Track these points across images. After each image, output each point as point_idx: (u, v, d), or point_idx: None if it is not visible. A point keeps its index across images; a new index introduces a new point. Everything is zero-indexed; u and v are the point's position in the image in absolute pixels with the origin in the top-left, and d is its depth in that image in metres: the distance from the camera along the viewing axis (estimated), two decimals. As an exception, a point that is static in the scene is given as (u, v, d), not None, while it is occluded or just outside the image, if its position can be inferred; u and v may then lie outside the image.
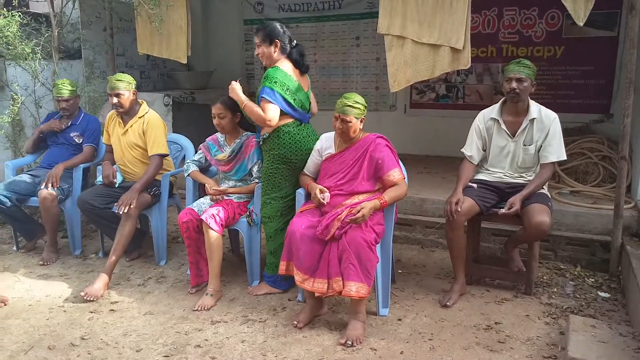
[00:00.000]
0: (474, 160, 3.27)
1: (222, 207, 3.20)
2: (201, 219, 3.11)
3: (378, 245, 2.81)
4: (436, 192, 4.33)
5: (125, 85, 3.58)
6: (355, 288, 2.64)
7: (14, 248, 4.05)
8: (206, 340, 2.73)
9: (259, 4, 6.80)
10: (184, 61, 4.70)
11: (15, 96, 4.45)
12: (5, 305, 3.09)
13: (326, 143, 3.11)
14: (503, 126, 3.18)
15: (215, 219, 3.11)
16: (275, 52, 3.10)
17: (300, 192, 3.13)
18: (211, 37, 7.09)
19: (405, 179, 2.99)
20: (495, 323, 2.87)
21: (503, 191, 3.18)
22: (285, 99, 3.02)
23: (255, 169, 3.36)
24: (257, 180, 3.36)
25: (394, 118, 6.19)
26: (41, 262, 3.76)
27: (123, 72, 3.78)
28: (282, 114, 3.03)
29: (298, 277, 2.79)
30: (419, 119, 6.12)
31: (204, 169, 3.57)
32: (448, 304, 3.05)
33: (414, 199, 4.21)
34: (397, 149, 3.03)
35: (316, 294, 2.77)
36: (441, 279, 3.49)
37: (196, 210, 3.21)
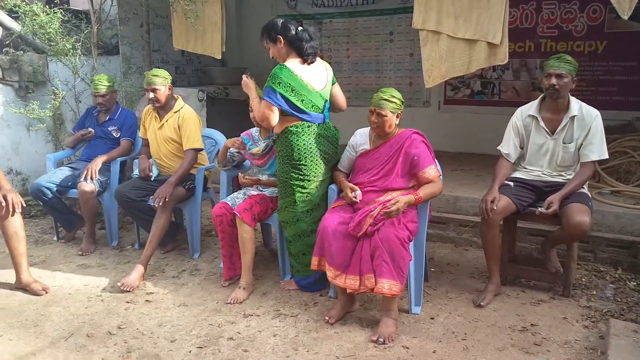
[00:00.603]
0: (510, 158, 3.20)
1: (256, 202, 3.23)
2: (235, 213, 3.14)
3: (411, 243, 2.78)
4: (470, 189, 4.27)
5: (161, 80, 3.64)
6: (387, 285, 2.62)
7: (55, 238, 4.17)
8: (239, 333, 2.75)
9: (292, -1, 6.82)
10: (219, 57, 4.75)
11: (56, 91, 4.58)
12: (46, 293, 3.19)
13: (361, 139, 3.09)
14: (542, 123, 3.10)
15: (248, 213, 3.13)
16: (282, 48, 2.99)
17: (332, 188, 3.13)
18: (245, 33, 7.15)
19: (441, 177, 2.95)
20: (531, 325, 2.80)
21: (541, 190, 3.10)
22: (288, 100, 2.91)
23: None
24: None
25: (428, 114, 6.12)
26: (80, 252, 3.87)
27: (159, 68, 3.84)
28: (287, 114, 2.95)
29: (330, 273, 2.79)
30: (453, 116, 6.04)
31: (239, 163, 3.60)
32: (482, 303, 3.00)
33: (447, 197, 4.15)
34: (432, 146, 3.00)
35: (348, 291, 2.76)
36: (475, 278, 3.44)
37: (230, 204, 3.24)
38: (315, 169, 3.03)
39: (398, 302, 2.80)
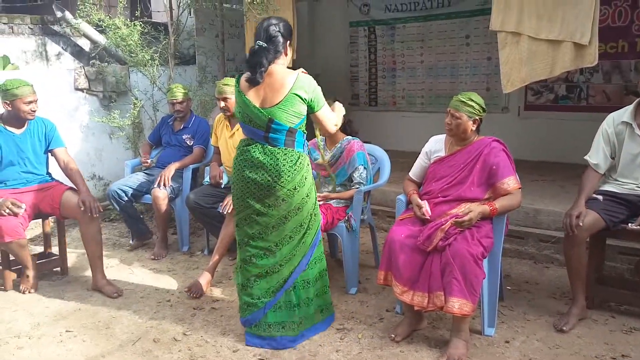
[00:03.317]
0: (599, 169, 2.91)
1: (321, 212, 3.16)
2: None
3: (485, 260, 2.59)
4: (552, 202, 3.96)
5: (232, 89, 3.67)
6: (458, 305, 2.44)
7: (131, 242, 4.34)
8: (301, 346, 2.69)
9: (365, 5, 6.73)
10: (290, 64, 4.74)
11: (135, 100, 4.79)
12: (119, 296, 3.30)
13: (435, 145, 2.95)
14: (637, 131, 2.79)
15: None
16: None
17: (400, 199, 3.00)
18: (317, 39, 7.15)
19: (520, 190, 2.73)
20: (622, 356, 2.51)
21: (635, 205, 2.79)
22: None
23: (355, 174, 3.28)
24: (357, 186, 3.28)
25: (506, 121, 5.79)
26: (152, 257, 3.98)
27: (233, 77, 3.88)
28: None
29: (397, 288, 2.65)
30: (534, 122, 5.67)
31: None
32: (564, 328, 2.74)
33: (527, 210, 3.87)
34: (510, 154, 2.79)
35: (415, 308, 2.62)
36: (556, 299, 3.16)
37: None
38: (238, 194, 2.71)
39: (470, 322, 2.62)
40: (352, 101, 7.01)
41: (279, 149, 2.60)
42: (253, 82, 2.58)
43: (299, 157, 2.63)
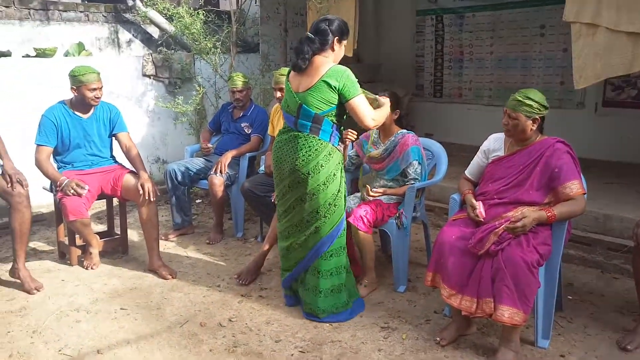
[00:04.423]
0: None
1: (371, 208, 3.10)
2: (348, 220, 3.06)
3: (541, 268, 2.43)
4: (626, 208, 3.66)
5: (289, 78, 3.66)
6: (508, 314, 2.32)
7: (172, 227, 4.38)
8: (344, 342, 2.66)
9: (433, -7, 6.51)
10: (349, 54, 4.68)
11: (197, 87, 4.90)
12: (172, 278, 3.40)
13: (495, 144, 2.80)
14: None
15: (363, 220, 3.04)
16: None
17: (454, 198, 2.87)
18: (382, 28, 7.01)
19: (585, 196, 2.53)
20: (693, 382, 2.29)
21: None
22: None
23: (410, 170, 3.17)
24: (411, 182, 3.18)
25: (582, 118, 5.42)
26: (208, 241, 4.08)
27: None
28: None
29: (444, 291, 2.55)
30: (613, 120, 5.26)
31: (357, 166, 3.50)
32: (629, 347, 2.52)
33: (596, 214, 3.60)
34: (584, 153, 2.59)
35: (463, 313, 2.51)
36: (623, 314, 2.92)
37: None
38: (278, 182, 2.91)
39: (522, 332, 2.48)
40: (416, 92, 6.83)
41: (302, 134, 2.74)
42: (295, 68, 2.77)
43: (318, 145, 2.71)
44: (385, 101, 2.90)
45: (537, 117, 2.55)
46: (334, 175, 2.76)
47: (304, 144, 2.71)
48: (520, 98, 2.54)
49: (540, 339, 2.58)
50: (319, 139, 2.72)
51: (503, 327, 2.42)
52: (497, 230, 2.45)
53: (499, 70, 6.08)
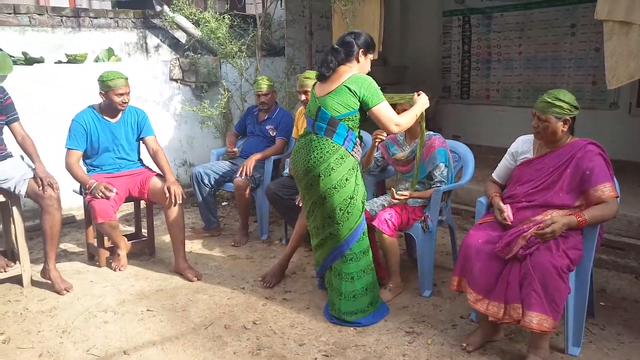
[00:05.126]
0: None
1: (396, 212, 3.07)
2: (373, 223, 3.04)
3: (572, 273, 2.36)
4: (662, 212, 3.53)
5: (313, 82, 3.66)
6: (536, 320, 2.25)
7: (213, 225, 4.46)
8: (368, 346, 2.63)
9: (461, -7, 6.42)
10: (375, 57, 4.63)
11: (223, 91, 4.95)
12: (198, 280, 3.43)
13: (523, 146, 2.73)
14: None
15: (387, 223, 3.01)
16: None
17: (481, 201, 2.82)
18: (408, 29, 6.95)
19: (618, 199, 2.45)
20: None
21: None
22: None
23: (436, 172, 3.13)
24: (437, 184, 3.13)
25: (615, 118, 5.26)
26: (233, 244, 4.11)
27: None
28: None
29: (470, 296, 2.50)
30: (647, 121, 5.10)
31: (383, 168, 3.47)
32: (665, 356, 2.44)
33: (630, 218, 3.49)
34: (617, 155, 2.52)
35: (490, 318, 2.45)
36: (659, 321, 2.82)
37: (368, 210, 3.13)
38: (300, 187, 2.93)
39: (551, 339, 2.41)
40: (443, 94, 6.74)
41: (317, 136, 2.76)
42: (319, 77, 2.83)
43: (330, 147, 2.72)
44: (421, 98, 2.88)
45: (567, 117, 2.48)
46: (347, 180, 2.73)
47: (316, 146, 2.74)
48: (549, 99, 2.47)
49: (570, 347, 2.51)
50: (332, 141, 2.72)
51: (532, 333, 2.36)
52: (525, 234, 2.39)
53: (528, 71, 5.96)
